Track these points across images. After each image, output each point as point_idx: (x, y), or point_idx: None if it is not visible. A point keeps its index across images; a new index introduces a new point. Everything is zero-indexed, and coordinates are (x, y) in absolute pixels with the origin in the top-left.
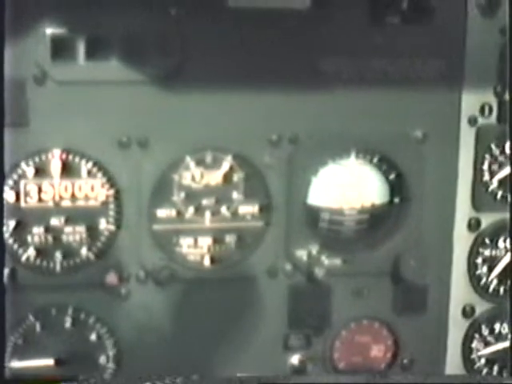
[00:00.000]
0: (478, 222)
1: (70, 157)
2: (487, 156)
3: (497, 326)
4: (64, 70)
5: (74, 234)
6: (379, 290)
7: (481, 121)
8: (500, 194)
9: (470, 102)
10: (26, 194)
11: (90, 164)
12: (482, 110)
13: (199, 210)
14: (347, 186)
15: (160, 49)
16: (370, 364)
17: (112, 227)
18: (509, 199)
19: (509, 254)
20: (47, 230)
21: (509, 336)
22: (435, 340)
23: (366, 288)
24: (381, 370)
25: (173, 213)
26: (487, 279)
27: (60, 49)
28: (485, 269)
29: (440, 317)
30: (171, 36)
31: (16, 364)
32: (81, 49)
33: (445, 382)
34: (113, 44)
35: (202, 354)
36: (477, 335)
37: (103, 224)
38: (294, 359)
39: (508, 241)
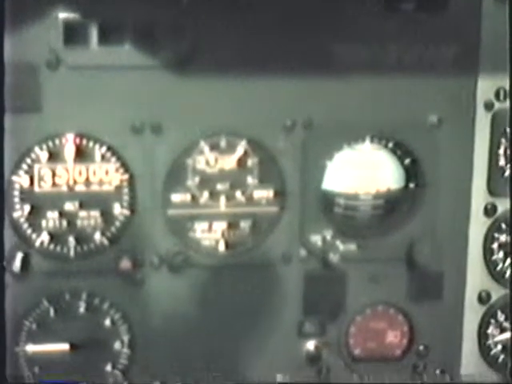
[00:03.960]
0: (494, 208)
1: (84, 141)
2: (503, 140)
3: None
4: (77, 55)
5: (88, 218)
6: (394, 276)
7: (496, 105)
8: (510, 181)
9: (486, 86)
10: (40, 179)
11: (103, 149)
12: (497, 94)
13: (214, 195)
14: (362, 171)
15: (173, 33)
16: (386, 350)
17: (126, 212)
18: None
19: None
20: (61, 214)
21: None
22: (451, 326)
23: (382, 274)
24: (396, 356)
25: (187, 197)
26: (503, 265)
27: (73, 34)
28: (501, 254)
29: (456, 303)
30: (185, 21)
31: (31, 348)
32: (93, 34)
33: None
34: (126, 29)
35: (216, 340)
36: (493, 321)
37: (117, 209)
38: (309, 345)
39: None
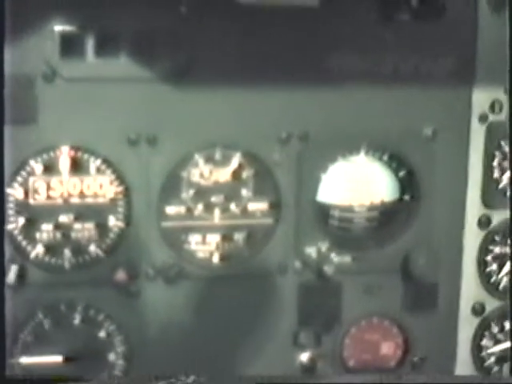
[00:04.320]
0: (489, 219)
1: (79, 154)
2: (497, 153)
3: (507, 324)
4: (73, 67)
5: (83, 230)
6: (389, 288)
7: (491, 118)
8: (510, 191)
9: (481, 99)
10: (35, 191)
11: (98, 161)
12: (492, 107)
13: (208, 207)
14: (357, 182)
15: (169, 46)
16: (380, 362)
17: (121, 224)
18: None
19: None
20: (56, 226)
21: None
22: (445, 338)
23: (376, 285)
24: (391, 368)
25: (182, 210)
26: (497, 277)
27: (69, 46)
28: (495, 266)
29: (450, 314)
30: (181, 33)
31: (25, 360)
32: (90, 46)
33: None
34: (122, 41)
35: (211, 351)
36: (487, 333)
37: (112, 221)
38: (304, 357)
39: None
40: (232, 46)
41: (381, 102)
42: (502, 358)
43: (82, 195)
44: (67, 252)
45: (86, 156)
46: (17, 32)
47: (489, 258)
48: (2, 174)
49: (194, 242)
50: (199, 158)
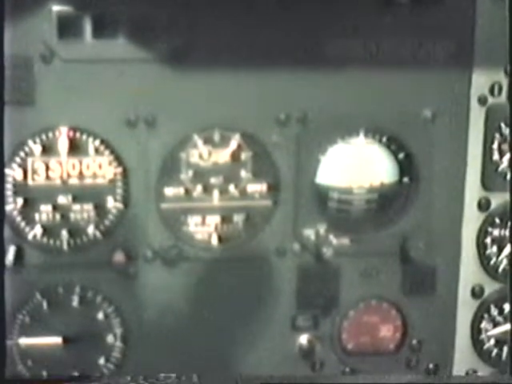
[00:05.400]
0: (488, 202)
1: (78, 135)
2: (497, 135)
3: (506, 307)
4: (71, 48)
5: (82, 212)
6: (388, 271)
7: (490, 100)
8: (510, 173)
9: (480, 81)
10: (34, 172)
11: (97, 142)
12: (491, 89)
13: (207, 189)
14: (356, 165)
15: (168, 27)
16: (379, 345)
17: (120, 205)
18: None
19: None
20: (54, 208)
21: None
22: (444, 321)
23: (375, 268)
24: (390, 350)
25: (181, 191)
26: (497, 259)
27: (67, 27)
28: (494, 249)
29: (449, 297)
30: (179, 14)
31: (24, 341)
32: (88, 27)
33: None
34: (120, 22)
35: (209, 333)
36: (486, 316)
37: (111, 202)
38: (302, 340)
39: None
40: (231, 28)
41: (380, 85)
42: (501, 341)
43: (80, 176)
44: (65, 233)
45: (84, 137)
46: (15, 13)
47: (488, 240)
48: (2, 156)
49: (192, 223)
50: (198, 140)
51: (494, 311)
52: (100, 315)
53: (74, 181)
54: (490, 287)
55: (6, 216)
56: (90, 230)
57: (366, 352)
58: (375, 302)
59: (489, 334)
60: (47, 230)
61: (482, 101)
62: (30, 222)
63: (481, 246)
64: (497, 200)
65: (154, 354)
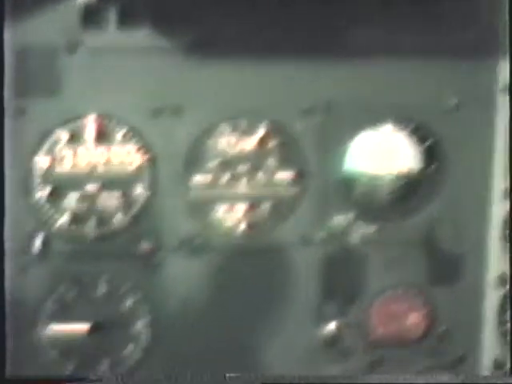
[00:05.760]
0: None
1: (105, 123)
2: None
3: None
4: (96, 38)
5: (109, 199)
6: (415, 258)
7: None
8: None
9: (506, 69)
10: (61, 160)
11: (124, 130)
12: None
13: (234, 177)
14: (383, 152)
15: (193, 15)
16: (406, 333)
17: (147, 193)
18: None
19: None
20: (82, 196)
21: None
22: (471, 309)
23: (402, 256)
24: (416, 338)
25: (208, 179)
26: None
27: (91, 16)
28: None
29: (476, 285)
30: (204, 2)
31: (51, 329)
32: (112, 16)
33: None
34: (144, 11)
35: (234, 321)
36: None
37: (138, 190)
38: (329, 328)
39: None
40: (258, 16)
41: (406, 73)
42: None
43: (108, 164)
44: (93, 221)
45: (111, 125)
46: (40, 3)
47: None
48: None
49: (220, 211)
50: (225, 128)
51: None
52: (127, 303)
53: (101, 169)
54: None
55: (33, 204)
56: (118, 217)
57: (392, 340)
58: (402, 290)
59: None
60: (75, 218)
61: (508, 89)
62: (58, 210)
63: (508, 234)
64: None
65: (180, 341)
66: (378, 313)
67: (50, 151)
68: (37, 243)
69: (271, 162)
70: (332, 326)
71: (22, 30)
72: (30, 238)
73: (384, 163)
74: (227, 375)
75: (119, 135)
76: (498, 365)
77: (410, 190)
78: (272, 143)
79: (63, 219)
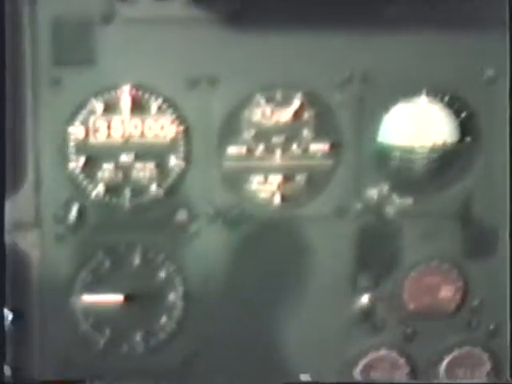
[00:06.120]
0: None
1: (140, 93)
2: None
3: None
4: (131, 8)
5: (144, 170)
6: (449, 231)
7: None
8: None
9: None
10: (96, 131)
11: (159, 101)
12: None
13: (269, 148)
14: (418, 124)
15: None
16: (440, 305)
17: (182, 164)
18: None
19: None
20: (117, 166)
21: None
22: (505, 282)
23: (437, 229)
24: (450, 311)
25: (243, 150)
26: None
27: None
28: None
29: (510, 259)
30: None
31: (86, 299)
32: None
33: None
34: None
35: (268, 293)
36: None
37: (173, 161)
38: (363, 300)
39: None
40: None
41: (443, 45)
42: None
43: (142, 135)
44: (128, 192)
45: (146, 96)
46: None
47: None
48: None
49: (255, 182)
50: (260, 99)
51: None
52: (162, 274)
53: (135, 140)
54: None
55: (68, 174)
56: (153, 188)
57: (426, 313)
58: (436, 263)
59: None
60: (109, 189)
61: None
62: (93, 181)
63: None
64: None
65: (213, 313)
66: (411, 285)
67: (85, 122)
68: (72, 213)
69: (306, 133)
70: (365, 298)
71: (58, 1)
72: (65, 208)
73: (419, 135)
74: None
75: (154, 106)
76: None
77: (444, 162)
78: (307, 114)
79: (98, 190)
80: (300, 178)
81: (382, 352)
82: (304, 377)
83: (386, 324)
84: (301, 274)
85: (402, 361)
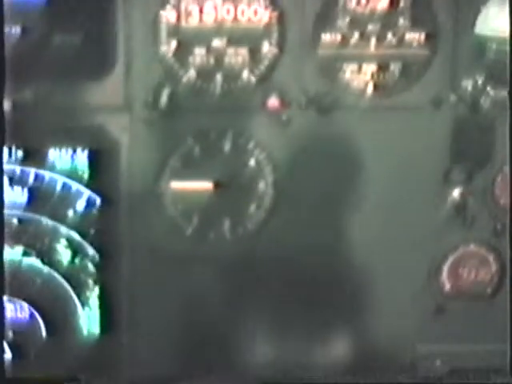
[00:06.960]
0: None
1: None
2: None
3: None
4: None
5: (236, 56)
6: None
7: None
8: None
9: None
10: (188, 15)
11: None
12: None
13: (364, 36)
14: None
15: None
16: None
17: (275, 50)
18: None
19: None
20: (209, 51)
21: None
22: None
23: None
24: None
25: (337, 38)
26: None
27: None
28: None
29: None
30: None
31: (175, 185)
32: None
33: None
34: None
35: (359, 182)
36: None
37: (266, 47)
38: (455, 193)
39: None
40: None
41: None
42: None
43: (235, 20)
44: (219, 77)
45: None
46: None
47: None
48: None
49: (348, 71)
50: None
51: None
52: (252, 162)
53: (228, 25)
54: None
55: (159, 57)
56: (245, 74)
57: None
58: None
59: None
60: (201, 74)
61: None
62: (184, 66)
63: None
64: None
65: (302, 204)
66: (504, 180)
67: (177, 5)
68: (163, 98)
69: (402, 21)
70: (456, 192)
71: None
72: (156, 92)
73: None
74: None
75: None
76: None
77: None
78: (404, 2)
79: (189, 74)
80: (394, 68)
81: (472, 247)
82: None
83: (476, 219)
84: (392, 166)
85: (490, 257)
